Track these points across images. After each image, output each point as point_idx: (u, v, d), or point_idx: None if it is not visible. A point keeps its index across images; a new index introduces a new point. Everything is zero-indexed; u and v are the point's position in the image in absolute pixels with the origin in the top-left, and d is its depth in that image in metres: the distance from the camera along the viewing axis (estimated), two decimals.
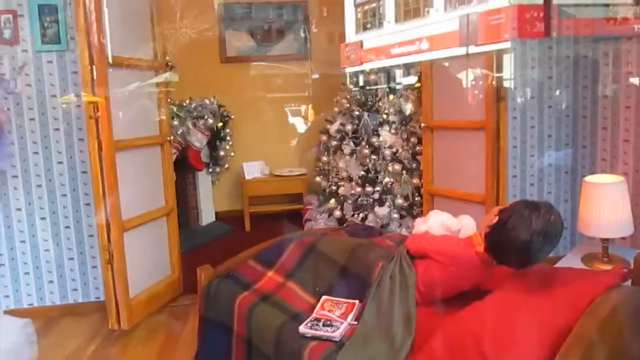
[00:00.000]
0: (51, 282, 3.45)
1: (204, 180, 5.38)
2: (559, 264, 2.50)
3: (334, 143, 4.25)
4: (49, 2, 3.18)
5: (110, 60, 2.96)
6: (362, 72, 4.13)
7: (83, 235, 3.43)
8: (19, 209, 3.36)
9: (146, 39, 3.44)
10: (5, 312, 3.44)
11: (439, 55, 2.35)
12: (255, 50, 5.69)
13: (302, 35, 5.72)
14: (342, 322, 1.98)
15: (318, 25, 5.59)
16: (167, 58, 4.43)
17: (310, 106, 5.44)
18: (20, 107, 3.25)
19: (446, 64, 3.33)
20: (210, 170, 5.38)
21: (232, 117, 5.33)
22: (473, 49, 2.17)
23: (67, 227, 3.41)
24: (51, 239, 3.41)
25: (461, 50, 2.21)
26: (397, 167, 3.85)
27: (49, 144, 3.32)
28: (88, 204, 3.37)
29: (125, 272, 3.08)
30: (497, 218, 1.86)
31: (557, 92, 3.70)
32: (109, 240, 2.99)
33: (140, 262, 3.27)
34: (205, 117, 4.92)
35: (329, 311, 2.06)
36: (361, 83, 4.20)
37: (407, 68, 3.94)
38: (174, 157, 4.28)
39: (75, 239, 3.43)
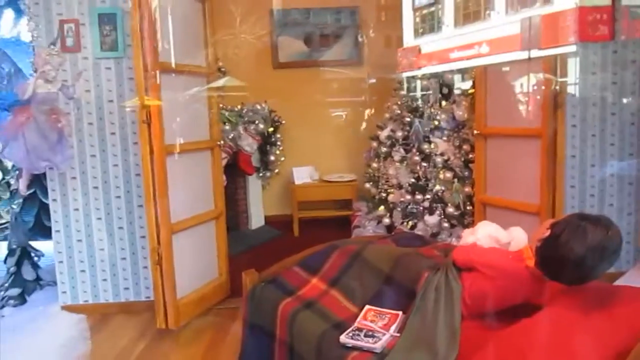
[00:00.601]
0: (105, 280, 3.57)
1: (254, 184, 5.43)
2: (620, 281, 2.36)
3: (384, 149, 4.20)
4: (108, 11, 3.30)
5: (164, 67, 3.03)
6: (414, 77, 4.07)
7: (135, 236, 3.52)
8: (76, 209, 3.49)
9: (199, 45, 3.51)
10: (63, 308, 3.58)
11: (498, 60, 2.26)
12: (308, 56, 5.71)
13: (356, 40, 5.69)
14: (385, 334, 1.93)
15: (373, 29, 5.54)
16: (220, 64, 4.51)
17: (361, 112, 5.39)
18: (80, 112, 3.38)
19: (505, 69, 3.21)
20: (261, 174, 5.43)
21: (283, 122, 5.37)
22: (535, 53, 2.08)
23: (121, 227, 3.52)
24: (106, 239, 3.52)
25: (522, 55, 2.12)
26: (449, 175, 3.75)
27: (105, 148, 3.44)
28: (141, 206, 3.46)
29: (174, 274, 3.14)
30: (549, 231, 1.76)
31: (622, 99, 3.50)
32: (158, 242, 3.06)
33: (189, 264, 3.33)
34: (257, 122, 4.98)
35: (371, 321, 2.02)
36: (413, 89, 4.14)
37: (461, 73, 3.84)
38: (225, 161, 4.35)
39: (128, 240, 3.53)
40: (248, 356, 2.44)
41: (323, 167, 5.58)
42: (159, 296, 3.12)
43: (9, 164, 5.35)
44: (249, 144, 4.92)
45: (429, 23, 2.57)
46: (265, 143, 5.23)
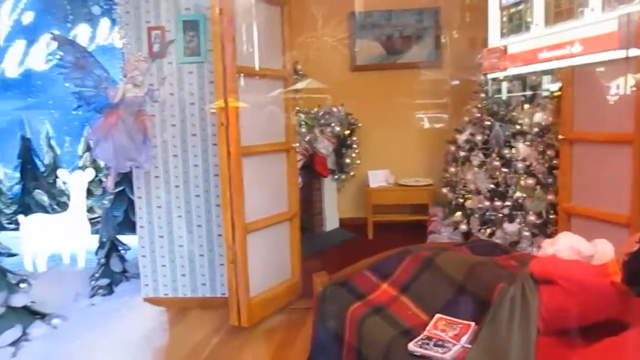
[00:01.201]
0: (184, 275, 3.72)
1: (329, 186, 5.46)
2: None
3: (462, 154, 4.08)
4: (192, 18, 3.44)
5: (243, 71, 3.12)
6: (496, 79, 3.92)
7: (213, 234, 3.64)
8: (159, 207, 3.66)
9: (277, 49, 3.58)
10: (145, 300, 3.77)
11: (592, 59, 2.13)
12: (385, 58, 5.66)
13: (437, 41, 5.58)
14: (455, 344, 1.86)
15: (456, 30, 5.41)
16: (298, 67, 4.57)
17: (439, 115, 5.28)
18: (164, 114, 3.55)
19: (600, 69, 3.01)
20: (336, 177, 5.44)
21: (360, 125, 5.36)
22: (634, 52, 1.93)
23: (199, 225, 3.65)
24: (185, 236, 3.67)
25: (619, 54, 1.97)
26: (531, 181, 3.58)
27: (186, 148, 3.58)
28: (218, 205, 3.58)
29: (247, 272, 3.21)
30: (638, 245, 1.63)
31: None
32: (233, 241, 3.15)
33: (262, 264, 3.40)
34: (333, 124, 4.99)
35: (441, 331, 1.96)
36: (495, 91, 3.99)
37: (547, 75, 3.66)
38: (301, 163, 4.40)
39: (206, 237, 3.66)
40: (317, 357, 2.45)
41: (399, 171, 5.51)
42: (233, 294, 3.21)
43: (101, 163, 5.73)
44: (325, 147, 4.95)
45: (517, 22, 2.47)
46: (341, 146, 5.24)
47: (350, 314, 2.25)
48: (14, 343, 3.05)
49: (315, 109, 5.02)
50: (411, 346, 1.89)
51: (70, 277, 4.27)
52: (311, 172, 5.04)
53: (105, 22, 5.51)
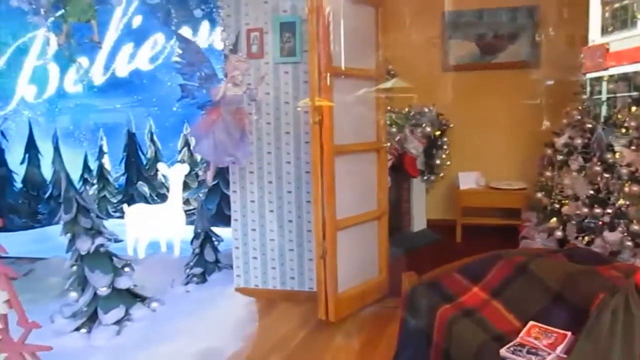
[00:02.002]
0: (274, 268, 3.85)
1: (418, 187, 5.41)
2: None
3: (559, 158, 3.90)
4: (289, 19, 3.56)
5: (336, 70, 3.19)
6: (599, 79, 3.72)
7: (303, 229, 3.75)
8: (252, 201, 3.82)
9: (370, 48, 3.61)
10: (236, 290, 3.94)
11: None
12: (479, 58, 5.53)
13: (533, 40, 5.37)
14: (550, 353, 1.81)
15: (553, 28, 5.17)
16: (390, 67, 4.58)
17: (535, 117, 5.08)
18: (260, 112, 3.69)
19: None
20: (425, 177, 5.39)
21: (451, 125, 5.27)
22: None
23: (290, 220, 3.77)
24: (276, 230, 3.80)
25: None
26: (636, 188, 3.36)
27: (280, 145, 3.71)
28: (309, 202, 3.67)
29: (336, 268, 3.28)
30: None
31: None
32: (323, 237, 3.22)
33: (351, 261, 3.45)
34: (423, 124, 4.95)
35: (535, 338, 1.91)
36: (597, 92, 3.79)
37: None
38: (390, 162, 4.40)
39: (296, 232, 3.77)
40: (403, 354, 2.46)
41: (490, 173, 5.36)
42: (322, 288, 3.29)
43: (198, 158, 6.04)
44: (415, 147, 4.92)
45: (621, 18, 2.33)
46: (431, 146, 5.18)
47: (440, 315, 2.24)
48: (118, 322, 3.31)
49: (406, 109, 5.00)
50: (503, 352, 1.86)
51: (167, 264, 4.55)
52: (400, 172, 5.03)
53: (205, 25, 5.80)
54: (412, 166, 5.06)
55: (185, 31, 5.70)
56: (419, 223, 5.47)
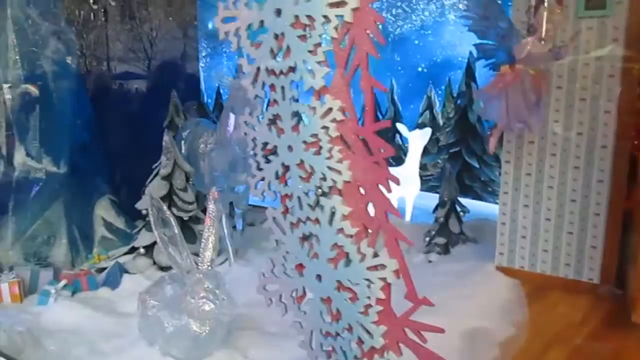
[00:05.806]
0: (545, 251, 3.44)
1: None
2: None
3: None
4: None
5: None
6: None
7: (588, 212, 3.26)
8: (528, 174, 3.42)
9: None
10: (497, 269, 3.61)
11: None
12: None
13: None
14: None
15: None
16: None
17: None
18: (550, 73, 3.21)
19: None
20: None
21: None
22: None
23: (573, 200, 3.30)
24: (554, 209, 3.37)
25: None
26: None
27: (571, 114, 3.23)
28: (600, 181, 3.17)
29: None
30: None
31: None
32: None
33: None
34: None
35: None
36: None
37: None
38: None
39: (579, 215, 3.29)
40: None
41: None
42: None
43: (440, 122, 5.77)
44: None
45: None
46: None
47: None
48: None
49: None
50: None
51: (400, 229, 4.40)
52: None
53: None
54: None
55: None
56: None
